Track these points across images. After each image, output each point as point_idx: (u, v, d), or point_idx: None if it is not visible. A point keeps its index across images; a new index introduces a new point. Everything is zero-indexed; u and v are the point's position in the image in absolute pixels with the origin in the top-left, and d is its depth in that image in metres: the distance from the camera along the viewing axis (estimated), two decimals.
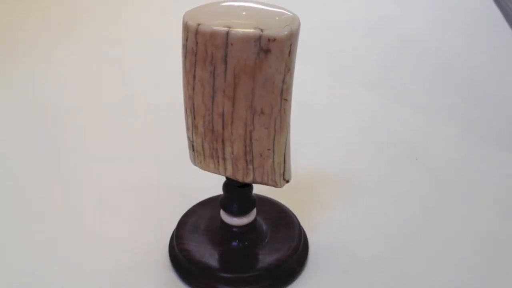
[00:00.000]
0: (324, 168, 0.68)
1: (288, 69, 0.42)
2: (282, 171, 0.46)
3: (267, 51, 0.40)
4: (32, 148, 0.72)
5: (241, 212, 0.51)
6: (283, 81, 0.42)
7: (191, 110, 0.44)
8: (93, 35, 1.02)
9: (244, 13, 0.42)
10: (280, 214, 0.57)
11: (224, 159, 0.45)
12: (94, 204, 0.62)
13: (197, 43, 0.40)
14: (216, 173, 0.47)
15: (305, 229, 0.57)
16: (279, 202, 0.59)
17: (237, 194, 0.51)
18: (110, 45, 0.99)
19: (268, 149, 0.44)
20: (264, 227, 0.55)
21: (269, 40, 0.39)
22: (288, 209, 0.58)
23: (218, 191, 0.52)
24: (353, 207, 0.61)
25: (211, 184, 0.56)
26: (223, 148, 0.45)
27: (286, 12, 0.42)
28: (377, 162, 0.69)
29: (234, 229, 0.52)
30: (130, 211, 0.61)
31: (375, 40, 1.01)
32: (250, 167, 0.45)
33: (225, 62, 0.40)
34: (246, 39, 0.39)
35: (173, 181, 0.65)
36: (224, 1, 0.44)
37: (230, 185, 0.50)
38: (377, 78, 0.89)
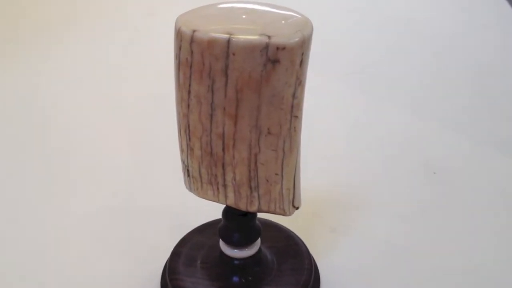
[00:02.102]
0: (332, 186, 0.63)
1: (300, 82, 0.37)
2: (291, 198, 0.42)
3: (275, 61, 0.35)
4: None
5: (244, 242, 0.46)
6: (294, 96, 0.37)
7: (186, 131, 0.39)
8: (72, 42, 0.97)
9: (246, 16, 0.37)
10: (287, 242, 0.52)
11: (224, 186, 0.40)
12: (72, 231, 0.56)
13: (192, 52, 0.35)
14: (215, 201, 0.42)
15: (315, 258, 0.52)
16: (285, 227, 0.54)
17: (238, 222, 0.46)
18: (91, 54, 0.93)
19: (276, 174, 0.39)
20: (269, 257, 0.50)
21: (277, 48, 0.34)
22: (295, 235, 0.53)
23: (217, 214, 0.48)
24: (367, 230, 0.56)
25: (208, 207, 0.51)
26: (224, 174, 0.40)
27: (295, 15, 0.37)
28: (391, 178, 0.64)
29: (236, 262, 0.47)
30: (114, 239, 0.55)
31: (383, 43, 0.96)
32: (255, 194, 0.40)
33: (226, 74, 0.35)
34: (250, 48, 0.34)
35: (164, 203, 0.60)
36: (222, 3, 0.38)
37: (230, 212, 0.45)
38: (388, 83, 0.84)
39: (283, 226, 0.54)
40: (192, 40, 0.35)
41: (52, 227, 0.57)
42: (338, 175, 0.65)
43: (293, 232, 0.53)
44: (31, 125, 0.73)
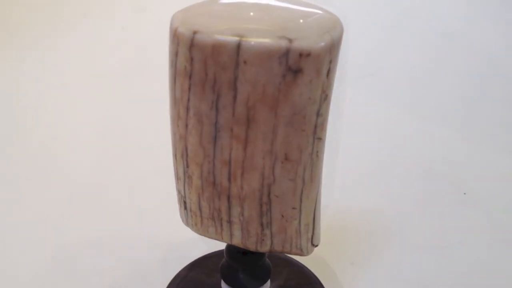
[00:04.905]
0: (350, 209, 0.57)
1: (325, 96, 0.31)
2: (310, 235, 0.35)
3: (297, 71, 0.28)
4: None
5: (250, 285, 0.40)
6: (318, 113, 0.31)
7: (183, 155, 0.33)
8: (56, 42, 0.90)
9: (259, 13, 0.30)
10: (300, 280, 0.46)
11: (229, 222, 0.34)
12: (45, 266, 0.49)
13: (192, 60, 0.29)
14: (218, 240, 0.36)
15: None
16: (298, 262, 0.48)
17: (244, 262, 0.39)
18: (76, 56, 0.86)
19: (293, 208, 0.33)
20: None
21: (301, 55, 0.28)
22: (309, 271, 0.47)
23: (218, 245, 0.42)
24: (392, 263, 0.50)
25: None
26: (229, 208, 0.33)
27: (317, 11, 0.31)
28: (416, 199, 0.58)
29: None
30: (93, 275, 0.48)
31: (406, 42, 0.90)
32: (267, 232, 0.34)
33: (235, 88, 0.29)
34: (267, 54, 0.28)
35: (153, 232, 0.53)
36: None
37: (235, 250, 0.39)
38: (412, 90, 0.78)
39: (294, 260, 0.48)
40: (192, 44, 0.28)
41: (28, 258, 0.50)
42: (355, 199, 0.59)
43: (306, 268, 0.47)
44: (10, 135, 0.67)
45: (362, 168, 0.63)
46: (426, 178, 0.61)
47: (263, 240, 0.35)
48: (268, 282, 0.41)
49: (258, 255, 0.39)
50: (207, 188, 0.33)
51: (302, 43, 0.28)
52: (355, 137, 0.69)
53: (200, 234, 0.36)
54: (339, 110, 0.73)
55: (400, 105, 0.74)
